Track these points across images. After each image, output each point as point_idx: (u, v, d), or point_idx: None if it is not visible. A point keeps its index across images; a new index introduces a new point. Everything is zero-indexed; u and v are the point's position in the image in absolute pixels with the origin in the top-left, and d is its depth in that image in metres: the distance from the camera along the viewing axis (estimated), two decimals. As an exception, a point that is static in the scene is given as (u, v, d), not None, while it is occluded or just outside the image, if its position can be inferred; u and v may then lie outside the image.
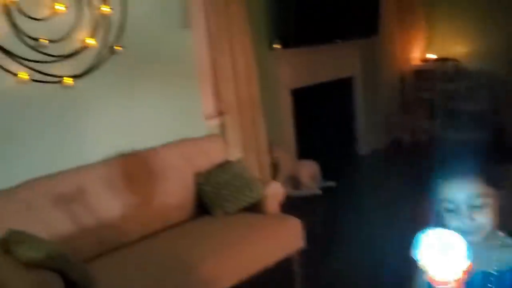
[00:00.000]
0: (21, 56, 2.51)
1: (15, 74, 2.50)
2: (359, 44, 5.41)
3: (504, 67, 5.67)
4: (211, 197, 2.98)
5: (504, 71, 5.66)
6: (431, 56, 6.21)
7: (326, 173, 4.79)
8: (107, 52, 2.83)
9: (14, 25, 2.48)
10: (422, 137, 5.92)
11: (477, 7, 5.79)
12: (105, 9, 2.76)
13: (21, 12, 2.50)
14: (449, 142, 5.65)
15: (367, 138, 5.75)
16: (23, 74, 2.50)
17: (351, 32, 5.08)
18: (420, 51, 6.29)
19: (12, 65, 2.49)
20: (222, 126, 4.09)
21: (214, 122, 3.97)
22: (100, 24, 2.79)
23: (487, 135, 5.41)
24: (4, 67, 2.47)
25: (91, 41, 2.73)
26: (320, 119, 5.22)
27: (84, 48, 2.74)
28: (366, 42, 5.47)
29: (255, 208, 2.97)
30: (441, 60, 6.11)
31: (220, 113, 4.17)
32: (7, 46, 2.46)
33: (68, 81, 2.66)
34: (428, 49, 6.33)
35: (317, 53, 4.94)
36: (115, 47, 2.83)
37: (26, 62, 2.54)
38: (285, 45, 4.60)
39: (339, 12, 4.89)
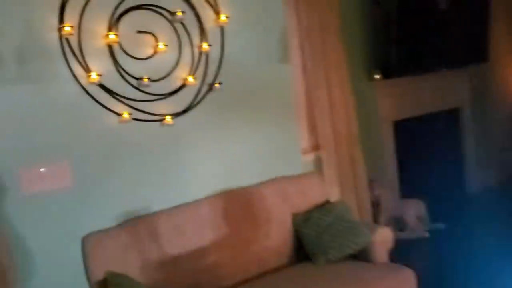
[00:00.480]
0: (123, 95, 2.51)
1: (118, 114, 2.49)
2: (467, 72, 4.98)
3: None
4: (312, 242, 2.76)
5: None
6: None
7: (433, 214, 4.36)
8: (206, 89, 2.77)
9: (117, 64, 2.49)
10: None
11: None
12: (205, 46, 2.71)
13: (124, 51, 2.51)
14: None
15: (478, 174, 5.22)
16: (125, 113, 2.49)
17: (458, 59, 4.68)
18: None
19: (115, 104, 2.50)
20: (318, 162, 3.89)
21: (309, 158, 3.78)
22: (199, 62, 2.74)
23: None
24: (107, 106, 2.47)
25: (191, 79, 2.68)
26: (425, 154, 4.82)
27: (184, 86, 2.69)
28: (475, 70, 5.02)
29: (361, 255, 2.70)
30: None
31: (316, 148, 3.98)
32: (110, 85, 2.47)
33: (168, 119, 2.62)
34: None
35: (420, 82, 4.60)
36: (214, 84, 2.77)
37: (128, 101, 2.53)
38: (386, 75, 4.33)
39: (444, 39, 4.53)
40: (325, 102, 4.00)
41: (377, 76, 4.36)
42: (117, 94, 2.50)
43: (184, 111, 2.71)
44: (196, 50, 2.73)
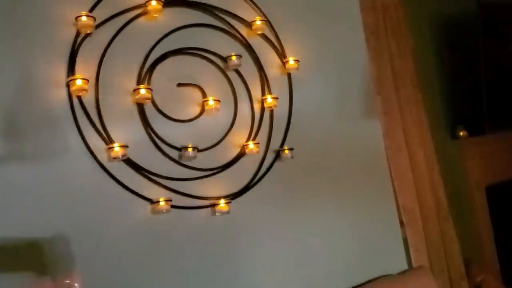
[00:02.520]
0: (159, 173, 1.76)
1: (152, 200, 1.72)
2: None
3: None
4: None
5: None
6: None
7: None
8: (272, 158, 2.00)
9: (150, 130, 1.76)
10: None
11: None
12: (270, 100, 1.97)
13: (160, 111, 1.79)
14: None
15: None
16: (162, 200, 1.72)
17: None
18: None
19: (147, 187, 1.73)
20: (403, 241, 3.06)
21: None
22: (261, 121, 1.99)
23: None
24: (136, 190, 1.71)
25: (251, 145, 1.92)
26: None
27: (243, 155, 1.93)
28: None
29: None
30: None
31: (400, 225, 3.19)
32: (140, 160, 1.72)
33: (223, 204, 1.83)
34: None
35: (513, 138, 3.78)
36: (283, 151, 1.99)
37: (167, 182, 1.77)
38: (474, 131, 3.54)
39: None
40: (407, 167, 3.24)
41: (462, 133, 3.58)
42: (151, 173, 1.74)
43: (243, 191, 1.92)
44: (257, 106, 1.98)
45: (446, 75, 3.63)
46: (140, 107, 1.75)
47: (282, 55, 2.05)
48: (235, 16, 1.97)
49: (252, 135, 1.96)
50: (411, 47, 3.36)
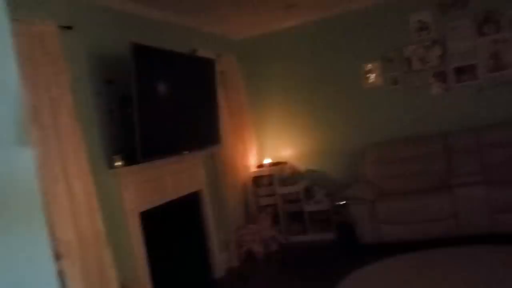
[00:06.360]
0: None
1: None
2: (205, 156, 4.94)
3: (335, 168, 5.87)
4: None
5: (335, 172, 5.86)
6: (266, 161, 6.09)
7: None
8: None
9: None
10: (273, 246, 5.52)
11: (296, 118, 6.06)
12: None
13: None
14: (299, 247, 5.40)
15: (221, 258, 5.08)
16: None
17: (197, 142, 4.57)
18: (256, 159, 6.13)
19: None
20: (60, 275, 3.02)
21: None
22: None
23: (335, 234, 5.39)
24: None
25: None
26: (174, 245, 4.39)
27: None
28: (211, 155, 5.06)
29: None
30: (274, 164, 6.02)
31: (57, 258, 3.13)
32: None
33: None
34: (263, 156, 6.24)
35: (164, 168, 4.24)
36: None
37: None
38: (129, 161, 3.79)
39: (183, 123, 4.37)
40: (64, 199, 3.23)
41: (118, 163, 3.79)
42: None
43: None
44: None
45: (104, 108, 3.78)
46: None
47: None
48: None
49: None
50: (68, 78, 3.37)
